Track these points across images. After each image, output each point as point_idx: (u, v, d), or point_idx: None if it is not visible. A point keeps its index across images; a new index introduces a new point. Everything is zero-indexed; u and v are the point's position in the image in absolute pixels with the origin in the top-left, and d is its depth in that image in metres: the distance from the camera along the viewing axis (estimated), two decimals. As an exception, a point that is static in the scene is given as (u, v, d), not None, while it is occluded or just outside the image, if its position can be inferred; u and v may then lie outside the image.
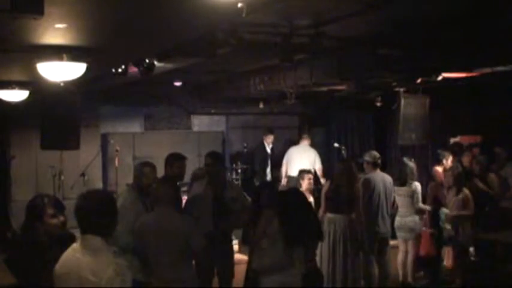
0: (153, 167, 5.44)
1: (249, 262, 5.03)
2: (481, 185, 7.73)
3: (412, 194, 7.42)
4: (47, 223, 3.76)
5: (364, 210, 6.74)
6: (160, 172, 5.98)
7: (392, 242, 7.50)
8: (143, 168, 5.42)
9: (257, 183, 9.87)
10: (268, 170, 10.65)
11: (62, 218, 3.82)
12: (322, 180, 9.76)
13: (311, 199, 7.26)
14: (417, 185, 7.49)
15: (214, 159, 6.01)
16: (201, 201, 5.80)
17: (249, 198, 6.13)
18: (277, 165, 10.65)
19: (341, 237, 6.36)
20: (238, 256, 6.40)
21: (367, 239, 6.72)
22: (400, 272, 7.59)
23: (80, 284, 2.96)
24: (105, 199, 3.17)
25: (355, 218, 6.44)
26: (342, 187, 6.50)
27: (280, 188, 9.08)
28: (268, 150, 10.77)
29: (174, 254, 4.65)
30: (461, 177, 7.43)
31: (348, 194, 6.45)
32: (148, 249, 4.72)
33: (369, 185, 6.93)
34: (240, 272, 5.86)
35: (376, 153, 7.19)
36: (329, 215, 6.50)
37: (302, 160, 9.55)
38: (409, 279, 7.53)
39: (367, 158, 7.17)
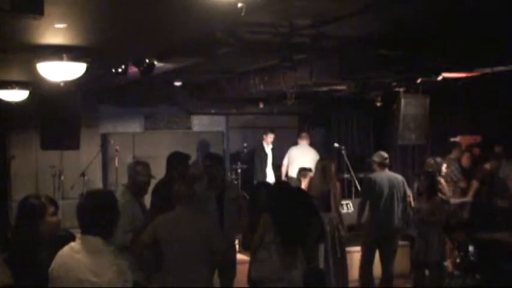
0: (146, 165, 5.44)
1: (249, 270, 4.99)
2: None
3: None
4: (48, 222, 3.75)
5: (363, 208, 6.87)
6: (159, 171, 5.99)
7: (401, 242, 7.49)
8: (136, 166, 5.42)
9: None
10: (267, 170, 10.60)
11: (59, 217, 3.80)
12: None
13: None
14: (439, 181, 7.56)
15: (213, 161, 6.07)
16: (203, 202, 5.81)
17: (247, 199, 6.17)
18: (278, 165, 10.64)
19: None
20: (238, 256, 6.40)
21: (370, 236, 6.75)
22: None
23: (80, 286, 2.94)
24: (107, 199, 3.14)
25: (333, 215, 6.46)
26: (316, 186, 6.53)
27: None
28: (268, 150, 10.72)
29: (191, 255, 4.58)
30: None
31: (322, 192, 6.46)
32: (164, 248, 4.65)
33: (369, 184, 6.96)
34: (240, 271, 5.86)
35: (383, 154, 7.15)
36: None
37: (304, 161, 9.55)
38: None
39: (374, 158, 7.16)
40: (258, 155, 10.67)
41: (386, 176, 7.02)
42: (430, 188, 6.80)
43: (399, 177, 7.11)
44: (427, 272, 6.95)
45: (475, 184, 8.27)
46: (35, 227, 3.69)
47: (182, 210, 4.74)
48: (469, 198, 8.19)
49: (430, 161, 7.93)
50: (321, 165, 6.88)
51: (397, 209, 6.89)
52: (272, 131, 10.81)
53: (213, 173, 5.99)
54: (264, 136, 10.74)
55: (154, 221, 4.79)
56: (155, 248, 4.73)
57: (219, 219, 5.77)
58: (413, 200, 7.39)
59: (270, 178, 10.43)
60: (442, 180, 7.77)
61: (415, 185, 7.58)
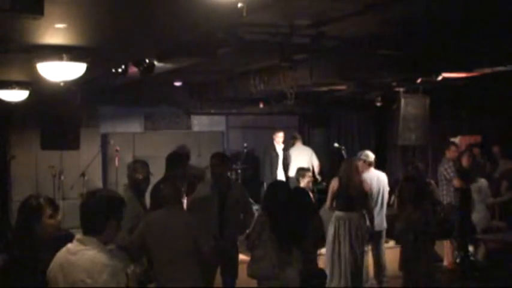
0: (143, 163, 5.52)
1: (247, 268, 5.00)
2: None
3: (479, 190, 7.71)
4: (45, 223, 3.74)
5: None
6: (160, 171, 5.99)
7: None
8: (134, 165, 5.53)
9: (266, 185, 9.74)
10: (278, 171, 10.50)
11: (58, 218, 3.79)
12: (319, 178, 9.87)
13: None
14: (483, 182, 7.73)
15: (220, 160, 6.04)
16: (207, 202, 5.81)
17: (251, 200, 6.16)
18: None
19: (348, 235, 6.42)
20: (240, 256, 6.40)
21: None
22: None
23: (75, 287, 2.93)
24: (108, 199, 3.13)
25: (366, 213, 6.54)
26: (348, 185, 6.56)
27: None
28: (279, 150, 10.51)
29: (179, 254, 4.60)
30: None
31: (355, 191, 6.52)
32: (152, 247, 4.66)
33: None
34: (242, 271, 5.85)
35: (369, 153, 7.32)
36: (338, 213, 6.56)
37: (299, 160, 9.56)
38: None
39: (361, 157, 7.29)
40: (268, 155, 10.48)
41: (374, 175, 7.19)
42: (418, 195, 6.32)
43: (382, 175, 7.29)
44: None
45: (505, 184, 8.22)
46: (32, 227, 3.68)
47: (168, 210, 4.76)
48: (505, 198, 8.17)
49: (415, 163, 7.97)
50: (354, 164, 6.84)
51: (383, 207, 7.13)
52: (280, 129, 10.65)
53: (219, 173, 5.96)
54: (274, 136, 10.57)
55: (142, 221, 4.81)
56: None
57: (221, 218, 5.77)
58: (395, 205, 7.36)
59: (281, 178, 10.31)
60: (433, 182, 7.82)
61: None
